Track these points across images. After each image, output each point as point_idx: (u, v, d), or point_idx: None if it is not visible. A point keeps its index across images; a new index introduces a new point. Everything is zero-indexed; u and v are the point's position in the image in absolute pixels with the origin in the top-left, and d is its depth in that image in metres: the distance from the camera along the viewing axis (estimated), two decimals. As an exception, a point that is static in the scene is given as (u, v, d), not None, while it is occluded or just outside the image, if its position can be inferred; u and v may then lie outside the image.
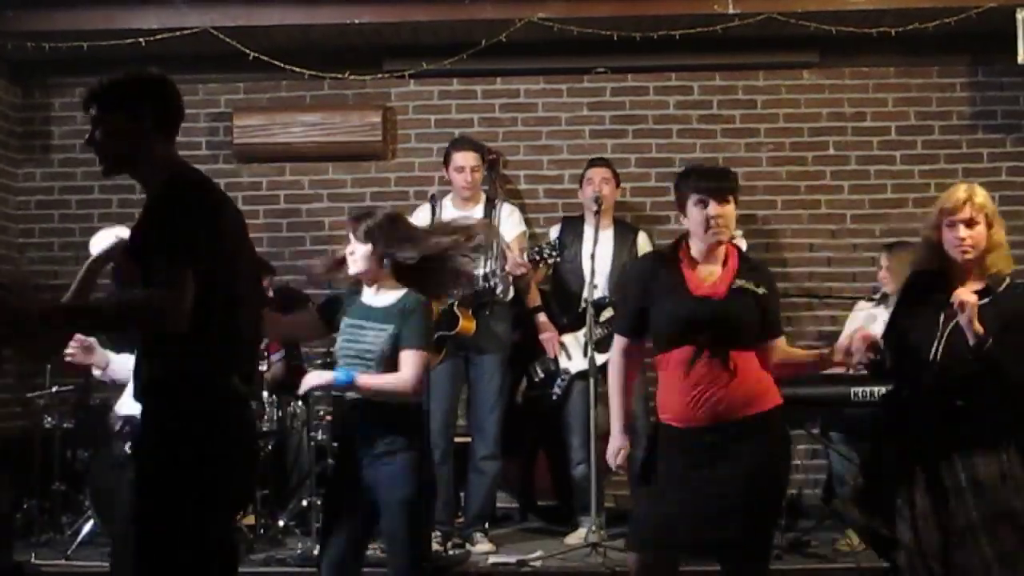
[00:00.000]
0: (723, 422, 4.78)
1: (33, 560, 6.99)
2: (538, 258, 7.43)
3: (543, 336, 7.80)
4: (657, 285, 4.91)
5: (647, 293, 4.93)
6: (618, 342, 5.05)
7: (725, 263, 4.95)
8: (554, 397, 7.73)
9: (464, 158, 7.77)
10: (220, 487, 3.94)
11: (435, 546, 7.18)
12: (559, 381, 7.70)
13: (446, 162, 7.88)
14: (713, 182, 4.96)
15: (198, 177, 4.15)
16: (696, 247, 4.95)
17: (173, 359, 3.94)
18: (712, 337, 4.79)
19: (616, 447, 5.04)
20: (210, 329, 3.89)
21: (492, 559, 7.10)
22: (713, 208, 4.86)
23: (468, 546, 7.34)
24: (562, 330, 7.78)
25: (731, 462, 4.78)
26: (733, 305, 4.85)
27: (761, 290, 4.92)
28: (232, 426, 4.01)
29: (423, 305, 5.15)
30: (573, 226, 7.91)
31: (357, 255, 5.17)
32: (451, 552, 7.19)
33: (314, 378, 5.27)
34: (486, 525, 7.59)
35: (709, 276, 4.91)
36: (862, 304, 7.94)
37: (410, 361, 5.08)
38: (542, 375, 7.83)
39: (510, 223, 7.81)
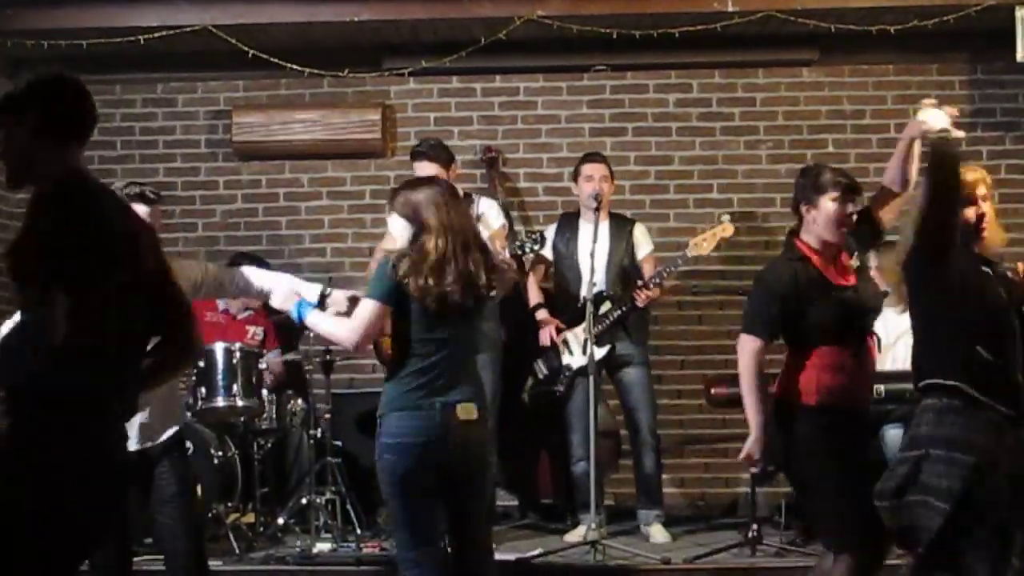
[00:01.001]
0: (866, 407, 5.13)
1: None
2: (520, 252, 7.34)
3: (541, 329, 7.79)
4: (805, 286, 5.01)
5: (795, 296, 5.00)
6: (754, 344, 5.03)
7: (836, 251, 5.14)
8: (557, 393, 7.73)
9: (420, 168, 7.54)
10: (65, 501, 3.67)
11: None
12: (562, 377, 7.70)
13: None
14: (853, 181, 5.18)
15: (76, 187, 3.86)
16: (814, 242, 5.11)
17: (35, 370, 3.72)
18: (863, 323, 5.07)
19: (759, 443, 4.99)
20: (77, 343, 3.67)
21: (491, 556, 7.08)
22: (851, 205, 5.07)
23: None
24: (563, 327, 7.77)
25: (864, 445, 5.14)
26: (864, 287, 5.14)
27: (859, 260, 5.18)
28: (83, 442, 3.72)
29: (389, 261, 5.05)
30: (569, 222, 7.89)
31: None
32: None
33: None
34: None
35: (833, 266, 5.10)
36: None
37: (357, 309, 5.08)
38: (546, 372, 7.82)
39: (489, 217, 7.65)
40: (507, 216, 8.05)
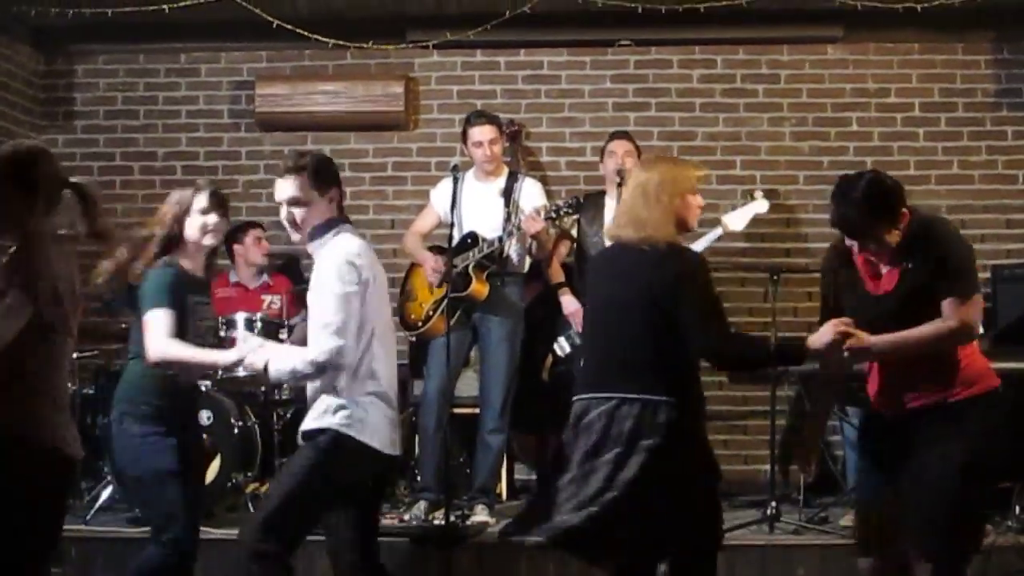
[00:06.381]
0: None
1: (53, 524, 7.00)
2: (555, 215, 7.28)
3: (569, 311, 7.73)
4: None
5: None
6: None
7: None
8: None
9: (481, 132, 7.56)
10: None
11: (418, 513, 7.23)
12: None
13: (464, 138, 7.69)
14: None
15: None
16: None
17: None
18: None
19: None
20: None
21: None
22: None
23: (466, 513, 7.26)
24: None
25: None
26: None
27: None
28: None
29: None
30: (594, 201, 7.85)
31: None
32: (452, 520, 6.95)
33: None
34: (489, 497, 7.48)
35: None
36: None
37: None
38: (569, 350, 7.77)
39: (530, 197, 7.59)
40: None
